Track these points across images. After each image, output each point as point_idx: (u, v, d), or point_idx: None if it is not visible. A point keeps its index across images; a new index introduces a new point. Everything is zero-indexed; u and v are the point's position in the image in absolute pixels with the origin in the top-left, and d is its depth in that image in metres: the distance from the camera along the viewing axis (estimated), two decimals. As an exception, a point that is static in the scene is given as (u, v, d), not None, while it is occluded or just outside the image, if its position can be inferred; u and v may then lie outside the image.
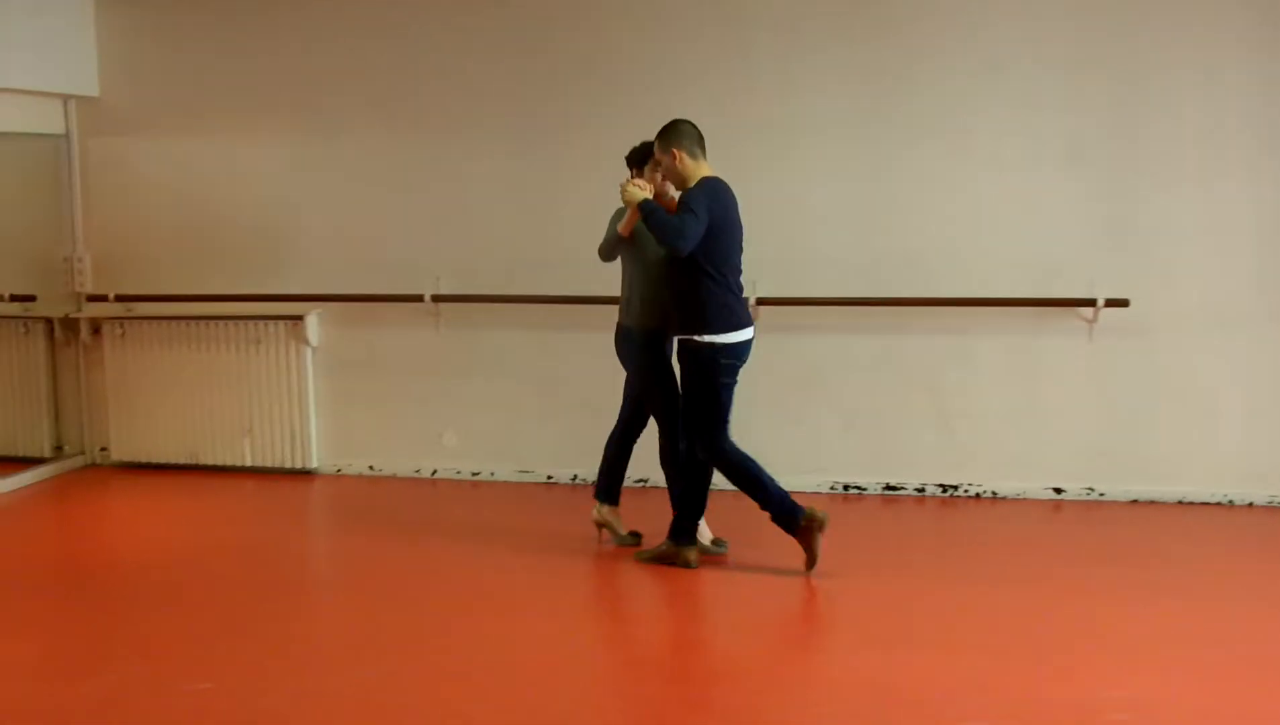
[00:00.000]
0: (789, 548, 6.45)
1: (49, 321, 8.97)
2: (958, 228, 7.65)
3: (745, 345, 6.38)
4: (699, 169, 6.35)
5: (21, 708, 5.11)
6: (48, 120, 8.77)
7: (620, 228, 6.48)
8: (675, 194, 6.41)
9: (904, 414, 7.84)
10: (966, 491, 7.79)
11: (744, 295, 6.42)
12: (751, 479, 6.43)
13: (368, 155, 8.34)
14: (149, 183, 8.76)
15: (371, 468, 8.51)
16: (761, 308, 7.74)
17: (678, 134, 6.34)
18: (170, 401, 8.78)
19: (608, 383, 7.83)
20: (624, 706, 5.15)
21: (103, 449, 9.06)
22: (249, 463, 8.63)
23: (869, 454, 7.92)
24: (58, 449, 9.06)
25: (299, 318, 8.46)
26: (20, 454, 8.94)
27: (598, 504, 7.01)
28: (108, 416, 8.95)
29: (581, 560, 6.81)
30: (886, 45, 7.65)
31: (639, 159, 6.62)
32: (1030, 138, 7.54)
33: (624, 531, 6.97)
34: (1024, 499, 7.71)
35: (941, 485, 7.83)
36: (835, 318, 7.83)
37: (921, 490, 7.85)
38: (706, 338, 6.27)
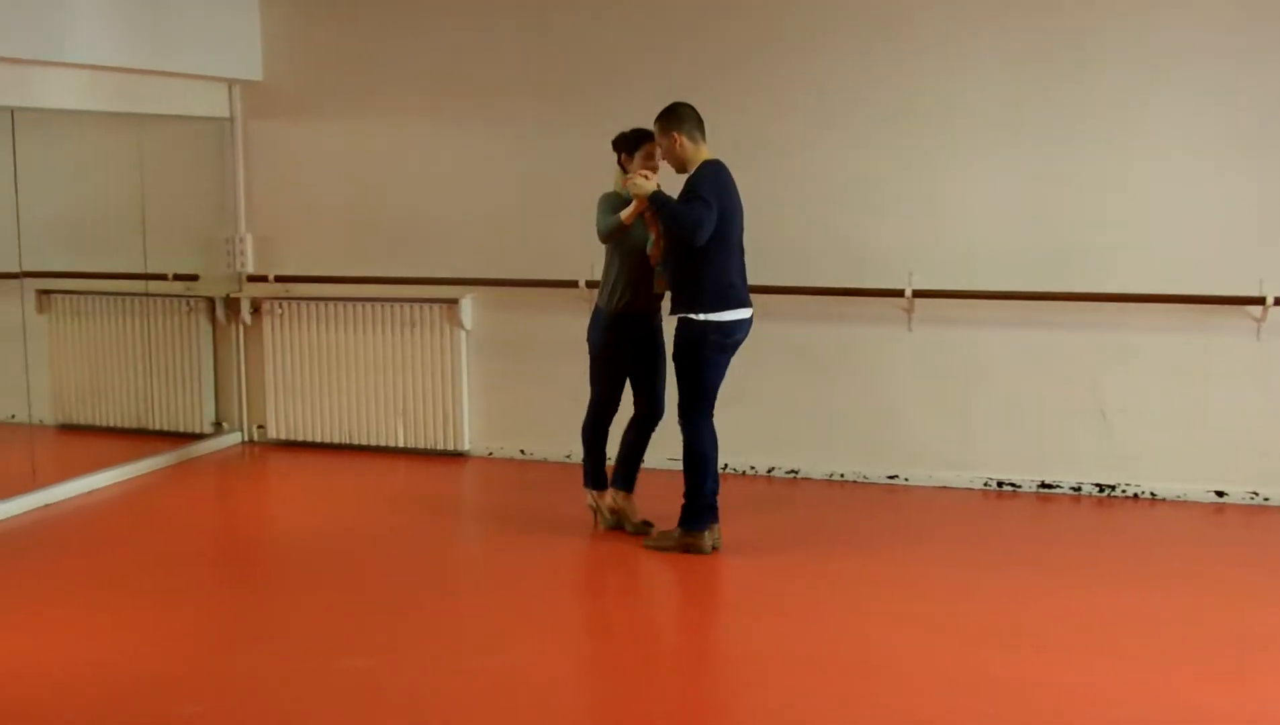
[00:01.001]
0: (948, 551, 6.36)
1: (210, 301, 9.18)
2: (1121, 221, 7.47)
3: (738, 324, 6.44)
4: (699, 152, 6.39)
5: (182, 679, 5.25)
6: (213, 104, 8.97)
7: (624, 217, 6.50)
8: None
9: (1062, 411, 7.68)
10: (1124, 492, 7.62)
11: (745, 276, 6.53)
12: (698, 470, 6.54)
13: (527, 138, 8.37)
14: (309, 165, 8.93)
15: (522, 452, 8.57)
16: (919, 301, 7.66)
17: (678, 117, 6.39)
18: (326, 381, 8.95)
19: (761, 368, 7.85)
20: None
21: (260, 427, 9.24)
22: (402, 444, 8.74)
23: (1025, 451, 7.77)
24: (216, 426, 9.26)
25: (454, 301, 8.54)
26: (181, 429, 9.16)
27: (613, 491, 7.01)
28: (265, 395, 9.14)
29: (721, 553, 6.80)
30: (1052, 28, 7.48)
31: (629, 145, 6.65)
32: (1196, 129, 7.34)
33: (637, 518, 6.98)
34: (1184, 501, 7.52)
35: (1099, 484, 7.66)
36: (993, 311, 7.69)
37: (1078, 489, 7.69)
38: (700, 316, 6.35)
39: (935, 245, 7.63)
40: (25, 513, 7.56)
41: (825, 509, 7.57)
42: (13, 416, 8.46)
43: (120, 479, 8.27)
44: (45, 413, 8.95)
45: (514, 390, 8.55)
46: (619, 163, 6.73)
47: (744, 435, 8.05)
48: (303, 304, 8.94)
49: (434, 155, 8.58)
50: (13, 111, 7.68)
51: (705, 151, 6.44)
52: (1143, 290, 7.44)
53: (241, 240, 9.10)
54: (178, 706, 4.97)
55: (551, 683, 5.18)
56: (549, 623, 5.85)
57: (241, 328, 9.18)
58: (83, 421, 9.21)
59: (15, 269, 8.11)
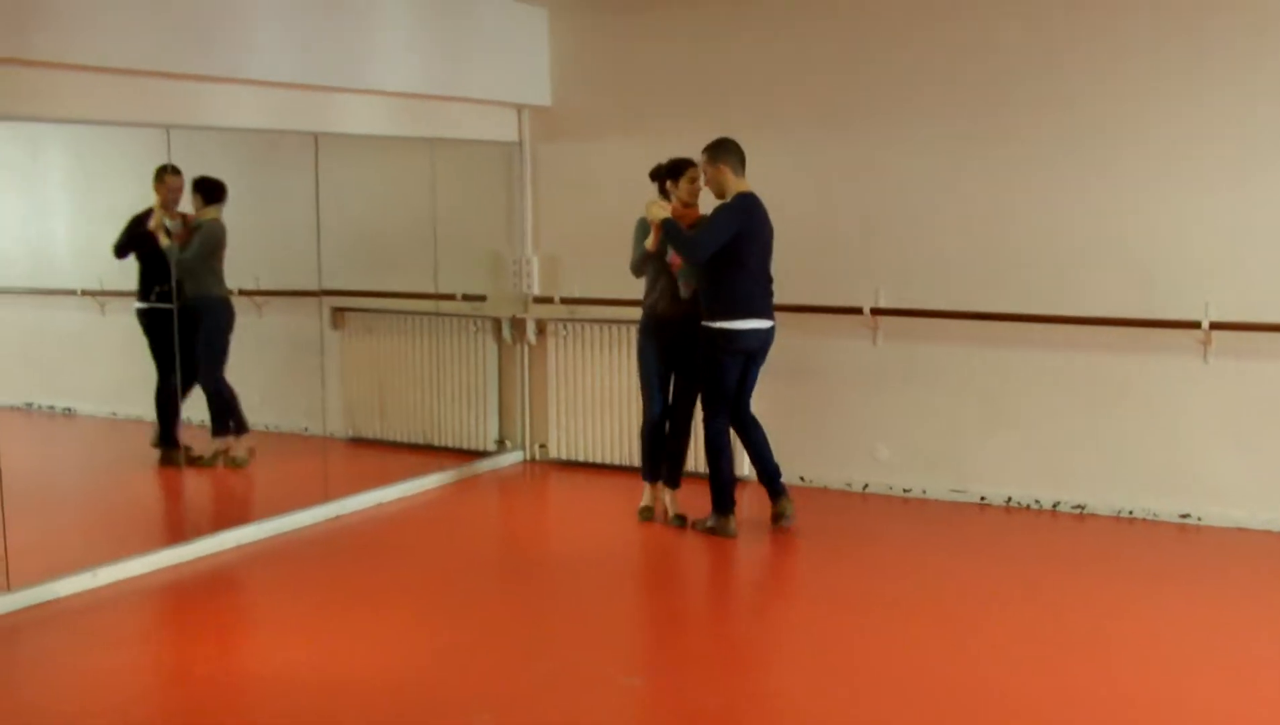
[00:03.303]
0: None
1: (497, 321, 9.36)
2: None
3: (748, 333, 7.28)
4: (739, 184, 7.28)
5: (465, 689, 5.34)
6: (503, 128, 9.16)
7: (648, 244, 7.42)
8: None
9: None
10: None
11: (770, 293, 7.38)
12: (717, 462, 7.45)
13: (804, 157, 8.31)
14: (595, 188, 9.03)
15: (802, 478, 8.47)
16: (1215, 332, 7.32)
17: (725, 151, 7.30)
18: (608, 402, 9.02)
19: (1051, 403, 7.66)
20: None
21: (541, 445, 9.37)
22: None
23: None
24: (500, 443, 9.43)
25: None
26: (465, 446, 9.37)
27: (665, 488, 7.77)
28: (547, 414, 9.26)
29: (1015, 582, 6.59)
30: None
31: (673, 173, 7.53)
32: None
33: (674, 512, 7.73)
34: None
35: None
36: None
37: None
38: (715, 324, 7.24)
39: (1234, 272, 7.31)
40: (318, 523, 7.81)
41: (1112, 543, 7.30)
42: (305, 429, 8.76)
43: (407, 493, 8.49)
44: (337, 426, 9.24)
45: (794, 415, 8.42)
46: (662, 191, 7.57)
47: (1028, 466, 7.89)
48: (587, 326, 9.04)
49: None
50: (316, 136, 7.98)
51: (744, 183, 7.31)
52: None
53: (528, 262, 9.26)
54: (469, 716, 5.04)
55: (818, 702, 5.09)
56: (817, 643, 5.75)
57: (526, 348, 9.33)
58: (371, 436, 9.50)
59: (315, 287, 8.41)
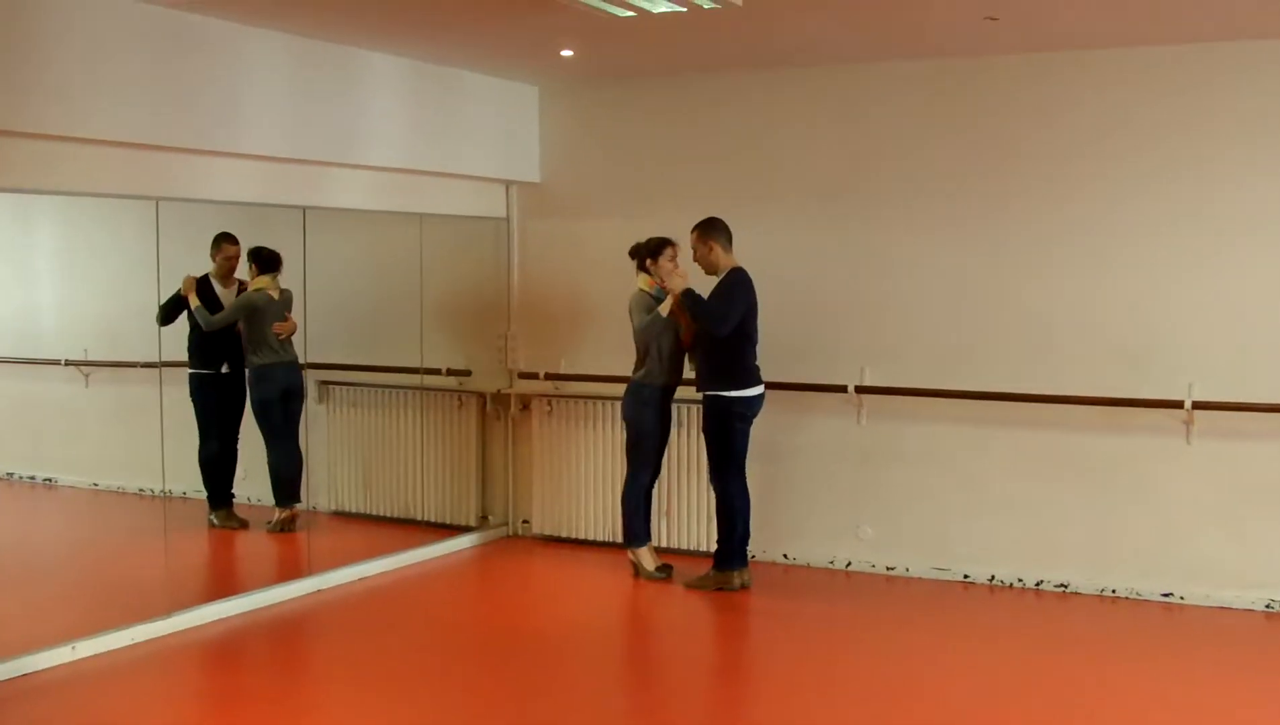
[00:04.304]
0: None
1: (481, 396, 9.35)
2: None
3: (757, 398, 7.76)
4: (729, 259, 7.71)
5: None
6: (491, 204, 9.22)
7: (663, 310, 7.81)
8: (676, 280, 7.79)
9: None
10: None
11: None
12: (729, 520, 7.79)
13: (791, 234, 8.37)
14: (582, 264, 9.08)
15: (785, 555, 8.46)
16: (1198, 412, 7.35)
17: (715, 230, 7.71)
18: (592, 478, 9.00)
19: (1034, 481, 7.71)
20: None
21: (525, 521, 9.35)
22: (664, 543, 8.69)
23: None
24: (483, 519, 9.41)
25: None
26: (448, 521, 9.33)
27: (636, 548, 8.12)
28: (531, 490, 9.24)
29: (999, 661, 6.57)
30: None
31: (653, 252, 7.91)
32: None
33: (653, 567, 8.08)
34: None
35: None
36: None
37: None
38: (730, 392, 7.65)
39: (1216, 352, 7.36)
40: (299, 597, 7.76)
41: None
42: (297, 507, 8.72)
43: (389, 568, 8.44)
44: (320, 500, 9.20)
45: (779, 494, 8.43)
46: (641, 268, 7.97)
47: (1012, 545, 7.92)
48: (571, 402, 9.04)
49: (704, 256, 8.61)
50: (304, 211, 8.01)
51: (734, 259, 7.71)
52: None
53: (514, 337, 9.28)
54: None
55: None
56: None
57: (511, 423, 9.33)
58: (355, 509, 9.45)
59: (300, 360, 8.42)
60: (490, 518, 9.44)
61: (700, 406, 7.90)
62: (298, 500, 8.66)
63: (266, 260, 8.36)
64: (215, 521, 8.55)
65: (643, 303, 7.97)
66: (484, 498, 9.46)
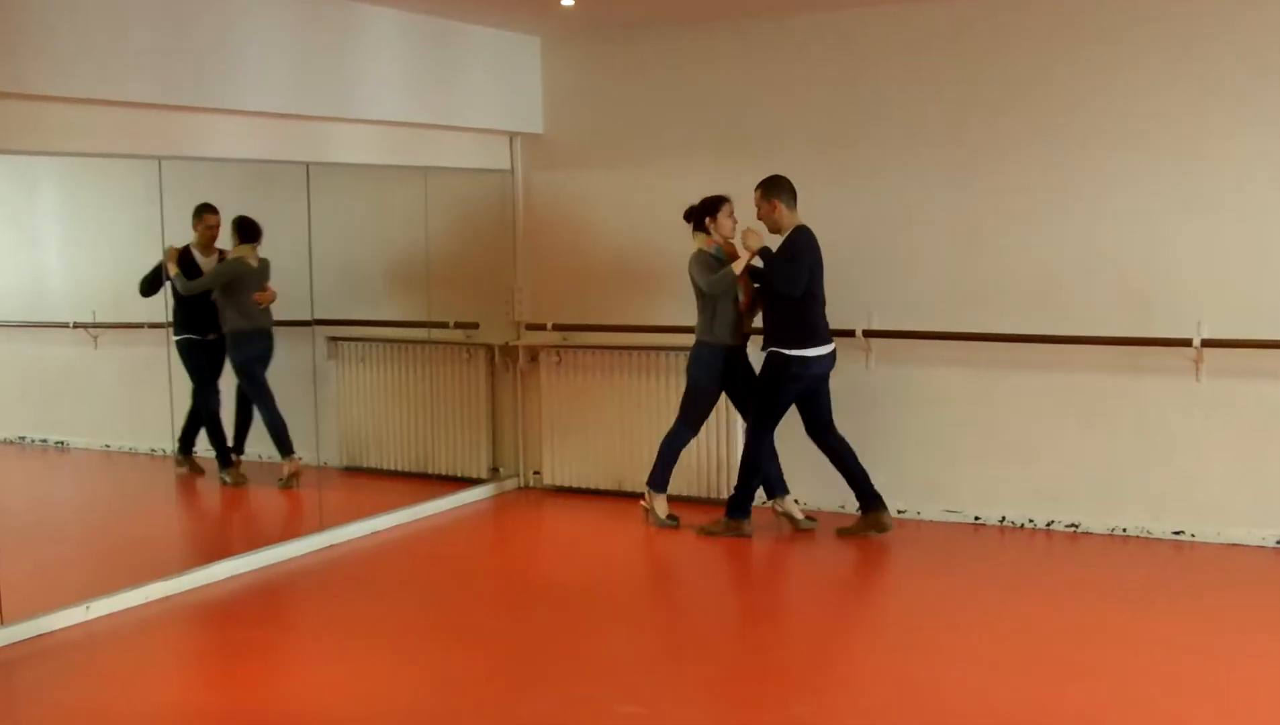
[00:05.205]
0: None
1: (490, 349, 9.36)
2: None
3: (818, 358, 7.64)
4: (793, 218, 7.60)
5: (463, 721, 5.31)
6: (495, 156, 9.19)
7: (737, 268, 7.66)
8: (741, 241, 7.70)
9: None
10: None
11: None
12: (750, 473, 7.87)
13: (797, 180, 8.19)
14: (587, 216, 9.06)
15: (797, 501, 8.45)
16: (1207, 350, 7.34)
17: (779, 188, 7.61)
18: (601, 429, 9.02)
19: (1044, 423, 7.70)
20: None
21: (535, 472, 9.38)
22: (676, 492, 8.68)
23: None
24: (494, 471, 9.43)
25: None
26: (460, 474, 9.36)
27: (656, 494, 8.22)
28: (541, 441, 9.26)
29: (1010, 601, 6.58)
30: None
31: (710, 210, 7.86)
32: None
33: (664, 514, 8.18)
34: None
35: None
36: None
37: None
38: (789, 351, 7.55)
39: (1225, 290, 7.34)
40: (312, 553, 7.80)
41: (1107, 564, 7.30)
42: (300, 459, 8.74)
43: (402, 522, 8.48)
44: (331, 456, 9.23)
45: (789, 441, 8.41)
46: (699, 228, 7.89)
47: (1022, 486, 7.93)
48: (579, 352, 9.05)
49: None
50: (308, 166, 7.99)
51: (797, 217, 7.61)
52: None
53: (520, 289, 9.28)
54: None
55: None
56: (819, 666, 5.74)
57: (519, 375, 9.35)
58: (366, 464, 9.48)
59: (308, 317, 8.43)
60: (501, 470, 9.46)
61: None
62: (294, 451, 8.71)
63: (247, 229, 8.40)
64: (227, 479, 8.58)
65: (704, 261, 7.85)
66: (495, 450, 9.48)
